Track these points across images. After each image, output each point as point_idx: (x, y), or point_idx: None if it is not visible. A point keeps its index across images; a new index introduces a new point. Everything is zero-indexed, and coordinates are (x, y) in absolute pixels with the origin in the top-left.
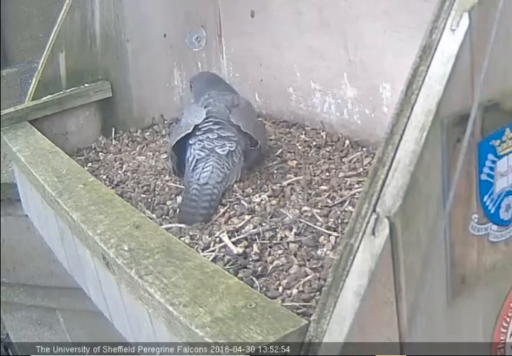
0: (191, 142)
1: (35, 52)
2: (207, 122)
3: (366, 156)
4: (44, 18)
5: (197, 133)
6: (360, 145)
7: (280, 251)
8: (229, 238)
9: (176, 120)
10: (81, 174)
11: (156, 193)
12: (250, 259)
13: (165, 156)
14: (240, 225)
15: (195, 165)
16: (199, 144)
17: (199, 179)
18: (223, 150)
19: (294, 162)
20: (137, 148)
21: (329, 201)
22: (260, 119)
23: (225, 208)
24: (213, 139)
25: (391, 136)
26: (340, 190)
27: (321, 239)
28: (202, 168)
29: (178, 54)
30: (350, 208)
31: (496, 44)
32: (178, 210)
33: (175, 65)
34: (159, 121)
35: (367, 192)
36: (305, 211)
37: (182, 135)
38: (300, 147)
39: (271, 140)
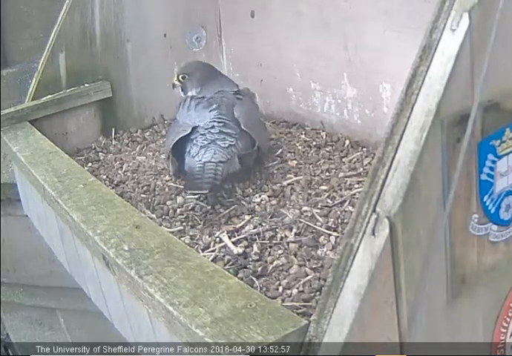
0: (192, 137)
1: (35, 52)
2: (210, 121)
3: (366, 156)
4: (44, 18)
5: (199, 130)
6: (361, 145)
7: (280, 251)
8: (229, 238)
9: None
10: (82, 174)
11: (156, 193)
12: (250, 259)
13: (164, 157)
14: (240, 225)
15: (197, 152)
16: (201, 137)
17: (201, 159)
18: (224, 143)
19: (294, 162)
20: (137, 148)
21: (329, 201)
22: (261, 118)
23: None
24: (214, 133)
25: (391, 136)
26: (340, 190)
27: (321, 239)
28: (205, 151)
29: (178, 54)
30: (350, 208)
31: (496, 44)
32: (184, 185)
33: (175, 65)
34: (159, 121)
35: (367, 192)
36: (305, 211)
37: (183, 135)
38: (300, 147)
39: (271, 140)
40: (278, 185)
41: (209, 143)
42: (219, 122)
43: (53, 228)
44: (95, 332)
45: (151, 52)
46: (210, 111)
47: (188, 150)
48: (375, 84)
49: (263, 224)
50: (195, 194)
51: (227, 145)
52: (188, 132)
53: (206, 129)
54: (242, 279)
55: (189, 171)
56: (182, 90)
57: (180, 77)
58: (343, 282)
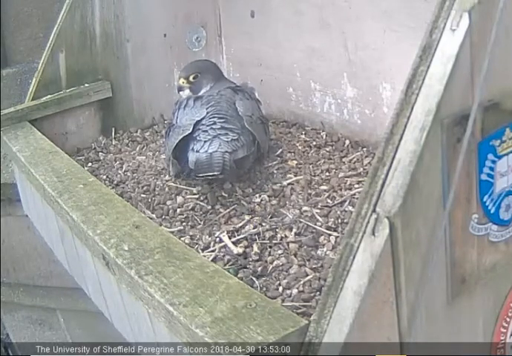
0: (194, 134)
1: (35, 52)
2: (211, 118)
3: (366, 156)
4: (44, 18)
5: (200, 127)
6: (361, 145)
7: (280, 251)
8: (229, 238)
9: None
10: (82, 174)
11: (156, 193)
12: (250, 259)
13: (165, 158)
14: (240, 225)
15: (202, 146)
16: (203, 133)
17: (207, 150)
18: (227, 138)
19: (294, 162)
20: (137, 148)
21: (329, 201)
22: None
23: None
24: (216, 129)
25: (391, 136)
26: (340, 190)
27: (321, 239)
28: (210, 144)
29: (178, 54)
30: (350, 208)
31: (496, 44)
32: (194, 171)
33: (175, 65)
34: (159, 121)
35: (367, 192)
36: (305, 211)
37: (185, 134)
38: (300, 147)
39: (271, 140)
40: (278, 185)
41: (213, 137)
42: (219, 118)
43: (53, 228)
44: (95, 332)
45: (151, 52)
46: (208, 107)
47: (191, 147)
48: (375, 84)
49: (263, 224)
50: (207, 176)
51: (230, 139)
52: (190, 131)
53: (208, 125)
54: (242, 279)
55: (196, 162)
56: (191, 91)
57: (192, 77)
58: (343, 282)
